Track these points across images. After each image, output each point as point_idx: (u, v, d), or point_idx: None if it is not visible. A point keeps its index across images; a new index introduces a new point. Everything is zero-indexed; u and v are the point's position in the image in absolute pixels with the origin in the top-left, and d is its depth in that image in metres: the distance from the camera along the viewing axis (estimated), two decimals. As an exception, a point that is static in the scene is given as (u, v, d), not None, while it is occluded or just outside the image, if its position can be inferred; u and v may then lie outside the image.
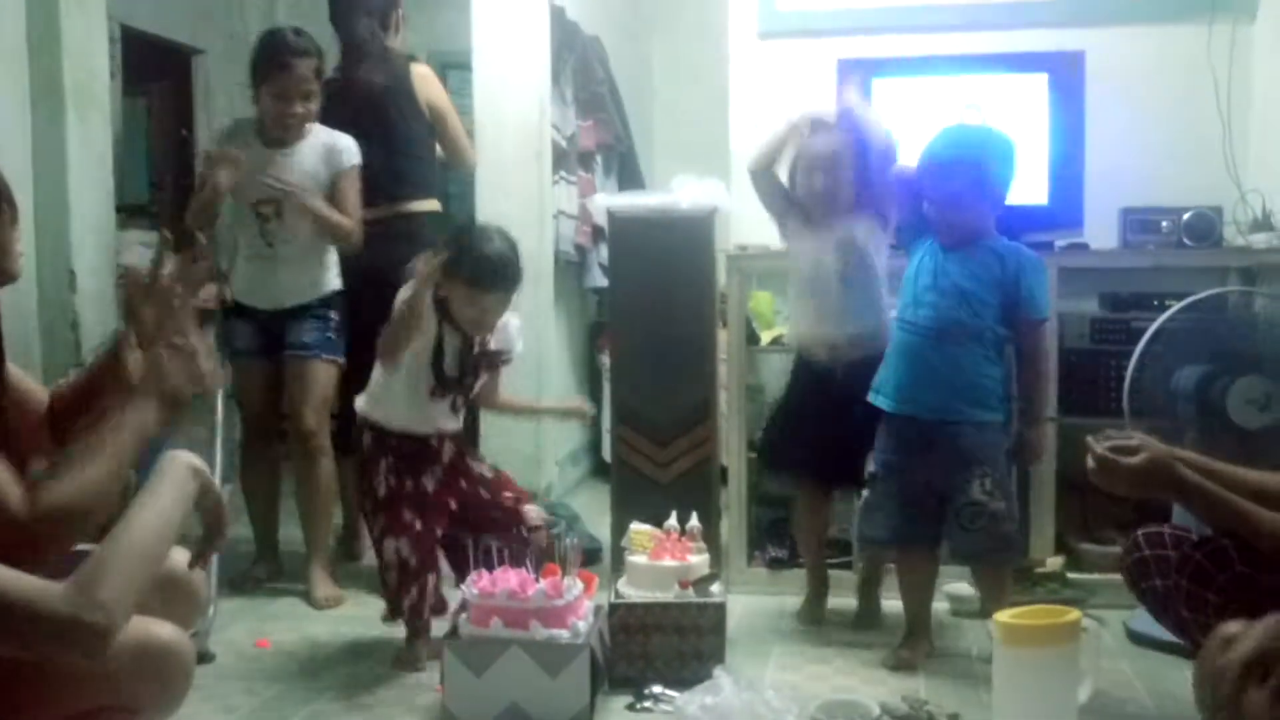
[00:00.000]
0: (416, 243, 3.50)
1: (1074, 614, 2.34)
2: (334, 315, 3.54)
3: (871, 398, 2.90)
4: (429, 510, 2.86)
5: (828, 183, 3.07)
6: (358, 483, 3.01)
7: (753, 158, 3.23)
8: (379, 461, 2.87)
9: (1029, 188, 3.50)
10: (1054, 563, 3.36)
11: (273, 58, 3.39)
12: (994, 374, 2.82)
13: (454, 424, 2.96)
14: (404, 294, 2.78)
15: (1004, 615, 2.32)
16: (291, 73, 3.37)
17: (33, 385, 2.11)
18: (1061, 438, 3.47)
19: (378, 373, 2.91)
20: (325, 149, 3.48)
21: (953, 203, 2.80)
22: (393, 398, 2.88)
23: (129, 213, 5.37)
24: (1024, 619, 2.30)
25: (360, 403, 2.95)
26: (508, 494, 3.00)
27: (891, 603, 3.18)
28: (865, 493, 3.03)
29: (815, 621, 3.21)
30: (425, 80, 3.88)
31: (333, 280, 3.57)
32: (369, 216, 3.56)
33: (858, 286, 3.07)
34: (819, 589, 3.27)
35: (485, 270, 2.81)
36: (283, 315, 3.52)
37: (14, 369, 2.06)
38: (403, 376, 2.85)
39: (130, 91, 5.72)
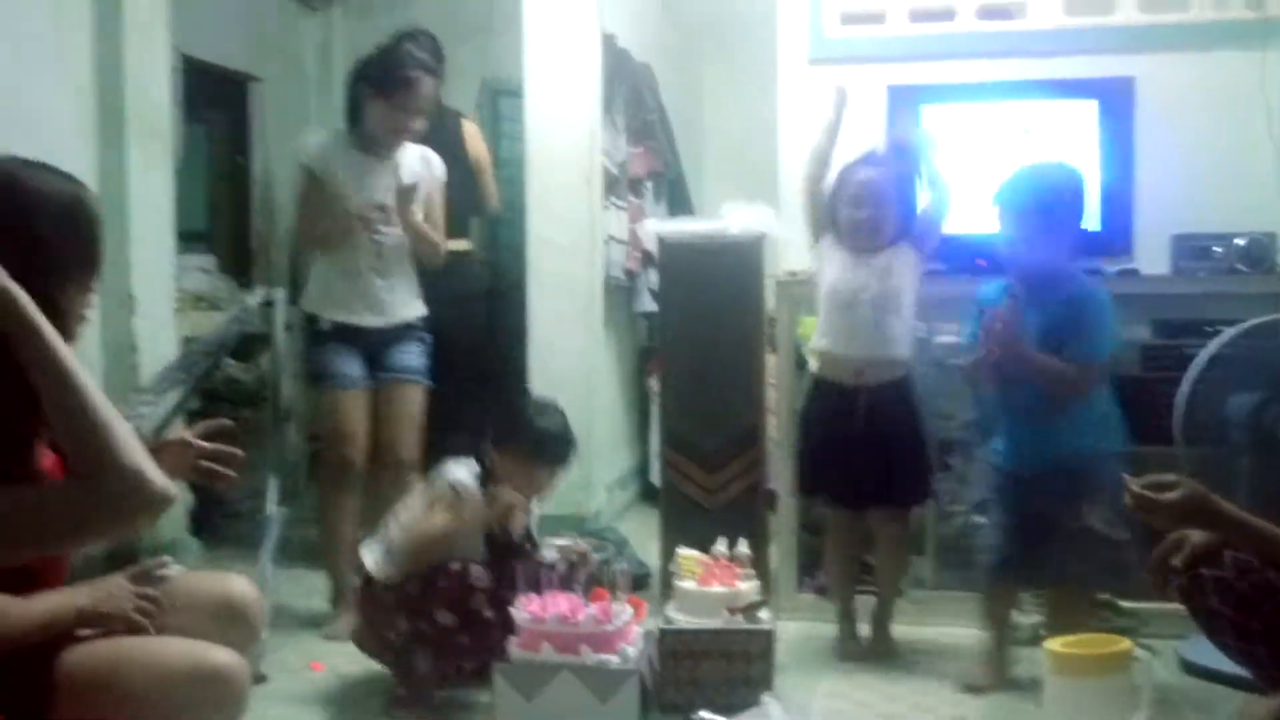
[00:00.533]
0: (454, 276, 3.79)
1: (1126, 643, 2.32)
2: (429, 339, 3.54)
3: (984, 454, 2.98)
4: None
5: (870, 213, 3.08)
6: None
7: (811, 152, 3.25)
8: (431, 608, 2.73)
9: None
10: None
11: (402, 71, 3.36)
12: (1101, 406, 2.84)
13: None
14: (444, 519, 2.74)
15: (1055, 644, 2.31)
16: (419, 88, 3.38)
17: None
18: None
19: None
20: (422, 158, 3.50)
21: (1027, 247, 2.82)
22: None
23: (187, 238, 5.47)
24: (1076, 648, 2.29)
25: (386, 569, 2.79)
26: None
27: (946, 630, 3.18)
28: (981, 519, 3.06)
29: (853, 656, 3.16)
30: (474, 137, 4.42)
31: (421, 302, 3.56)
32: None
33: (889, 313, 3.08)
34: (847, 625, 3.24)
35: (545, 443, 2.85)
36: (386, 335, 3.46)
37: None
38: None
39: (190, 119, 5.84)
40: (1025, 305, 2.81)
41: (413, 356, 3.47)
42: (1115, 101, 3.55)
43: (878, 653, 3.15)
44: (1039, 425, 2.82)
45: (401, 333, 3.47)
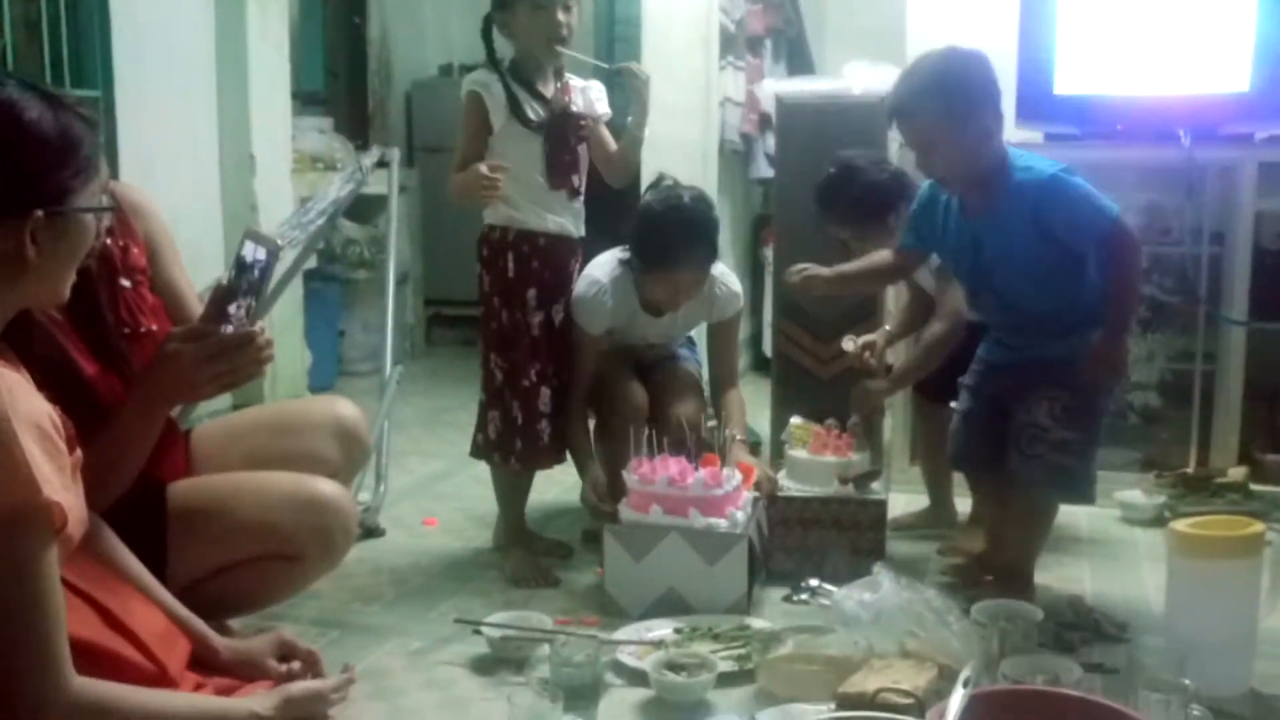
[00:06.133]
0: None
1: (1257, 526, 2.22)
2: None
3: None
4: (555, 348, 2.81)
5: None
6: (490, 298, 2.81)
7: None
8: (526, 290, 2.77)
9: (1226, 74, 3.27)
10: (1236, 473, 3.21)
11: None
12: (1079, 298, 2.46)
13: (578, 225, 2.86)
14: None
15: (1181, 525, 2.22)
16: None
17: (187, 301, 2.11)
18: (1249, 343, 3.29)
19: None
20: None
21: (929, 151, 2.44)
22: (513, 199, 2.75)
23: (304, 100, 5.51)
24: (1203, 529, 2.20)
25: (494, 215, 2.80)
26: None
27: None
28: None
29: (939, 523, 3.10)
30: None
31: None
32: None
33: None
34: (936, 498, 3.15)
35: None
36: None
37: (178, 276, 2.11)
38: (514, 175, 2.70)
39: (306, -21, 5.82)
40: (977, 228, 2.48)
41: None
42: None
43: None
44: (1009, 344, 2.58)
45: None
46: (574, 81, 2.84)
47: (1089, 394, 2.47)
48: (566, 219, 2.81)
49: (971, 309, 2.72)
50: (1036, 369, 2.50)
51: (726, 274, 3.00)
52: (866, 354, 2.98)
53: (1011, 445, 2.51)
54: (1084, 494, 2.54)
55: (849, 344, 3.02)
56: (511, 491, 2.89)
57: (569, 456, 2.89)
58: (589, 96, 2.85)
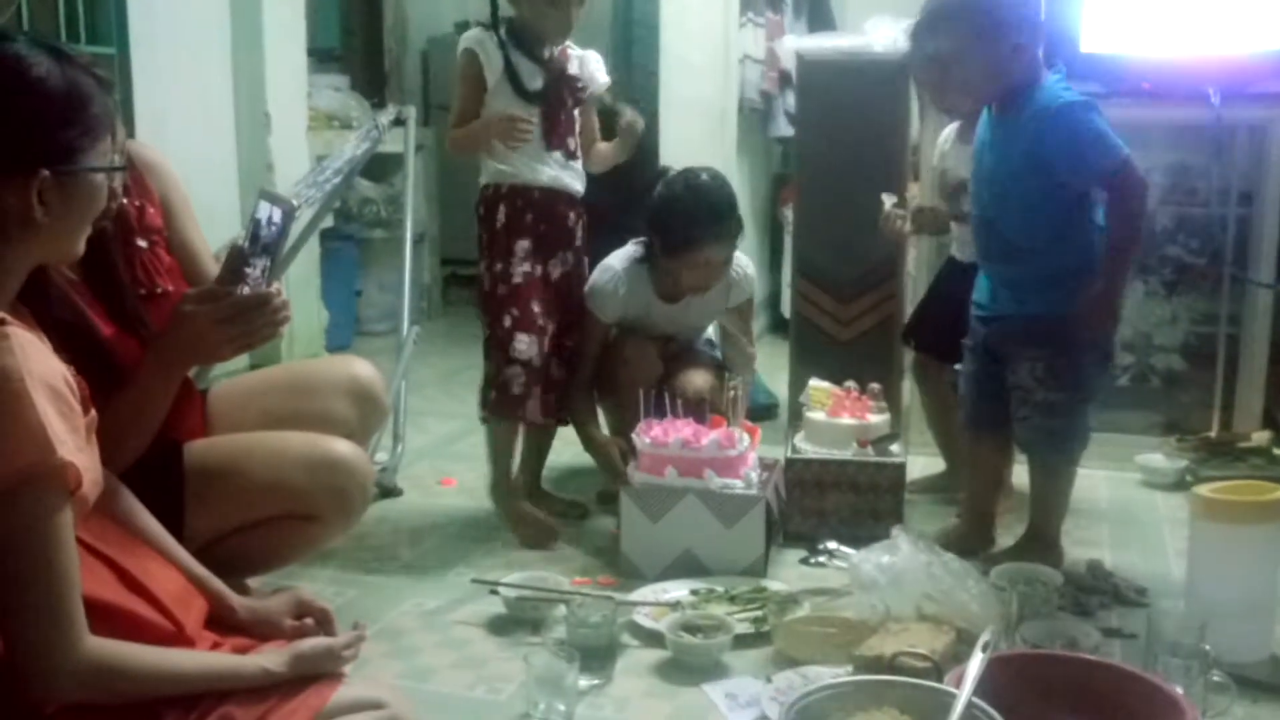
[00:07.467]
0: None
1: (1281, 491, 2.20)
2: None
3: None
4: (550, 302, 2.77)
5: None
6: (483, 254, 2.80)
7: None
8: (515, 242, 2.74)
9: (1258, 32, 3.20)
10: (1260, 437, 3.18)
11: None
12: (1065, 253, 2.40)
13: (577, 182, 2.83)
14: None
15: (1204, 489, 2.20)
16: None
17: (203, 261, 2.08)
18: (1276, 306, 3.26)
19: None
20: None
21: (946, 72, 2.41)
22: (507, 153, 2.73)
23: (320, 57, 5.46)
24: (1226, 493, 2.17)
25: (487, 173, 2.79)
26: None
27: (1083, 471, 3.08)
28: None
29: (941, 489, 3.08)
30: None
31: None
32: None
33: None
34: (951, 462, 3.11)
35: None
36: None
37: (194, 237, 2.08)
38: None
39: (322, -64, 5.76)
40: (996, 138, 2.47)
41: None
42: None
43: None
44: (992, 272, 2.55)
45: None
46: (572, 50, 2.81)
47: (1073, 352, 2.43)
48: (563, 174, 2.78)
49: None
50: (1020, 325, 2.46)
51: (740, 257, 2.97)
52: (899, 221, 2.95)
53: (1011, 410, 2.50)
54: (1070, 454, 2.53)
55: (888, 200, 2.97)
56: (498, 445, 2.83)
57: (570, 425, 2.90)
58: (588, 66, 2.83)
